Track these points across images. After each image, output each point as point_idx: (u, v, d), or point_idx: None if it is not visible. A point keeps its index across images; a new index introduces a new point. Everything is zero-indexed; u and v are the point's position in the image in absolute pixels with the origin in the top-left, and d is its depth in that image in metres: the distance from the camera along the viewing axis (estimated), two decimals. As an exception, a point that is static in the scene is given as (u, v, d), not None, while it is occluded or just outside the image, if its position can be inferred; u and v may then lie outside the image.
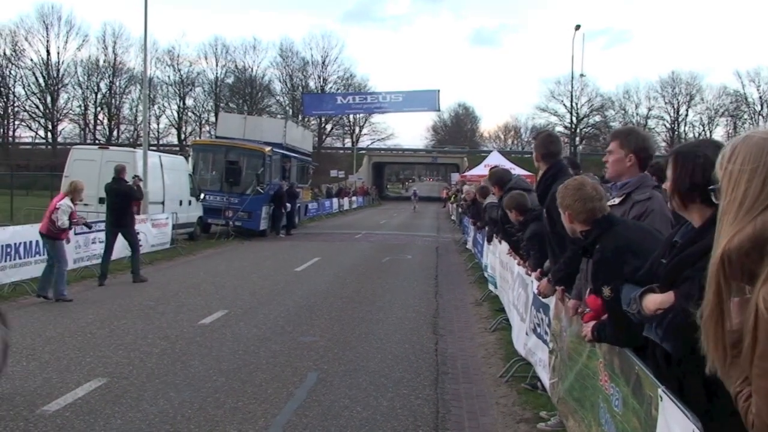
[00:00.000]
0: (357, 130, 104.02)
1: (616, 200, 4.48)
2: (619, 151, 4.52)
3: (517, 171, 32.42)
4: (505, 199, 8.37)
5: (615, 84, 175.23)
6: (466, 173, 45.77)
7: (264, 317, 10.90)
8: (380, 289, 14.30)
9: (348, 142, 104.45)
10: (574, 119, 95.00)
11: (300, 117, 76.66)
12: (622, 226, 4.00)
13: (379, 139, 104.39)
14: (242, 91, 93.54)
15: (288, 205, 27.89)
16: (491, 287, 12.64)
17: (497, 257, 11.49)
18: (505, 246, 10.26)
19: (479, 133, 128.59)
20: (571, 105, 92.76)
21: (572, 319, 4.79)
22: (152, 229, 18.98)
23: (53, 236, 12.00)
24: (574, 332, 4.69)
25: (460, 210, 29.20)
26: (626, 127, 5.83)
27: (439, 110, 56.93)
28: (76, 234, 14.30)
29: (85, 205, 14.13)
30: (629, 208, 4.37)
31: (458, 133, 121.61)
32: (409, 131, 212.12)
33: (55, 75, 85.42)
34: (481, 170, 36.31)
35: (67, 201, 12.01)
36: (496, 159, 39.41)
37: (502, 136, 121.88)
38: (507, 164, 35.89)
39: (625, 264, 3.50)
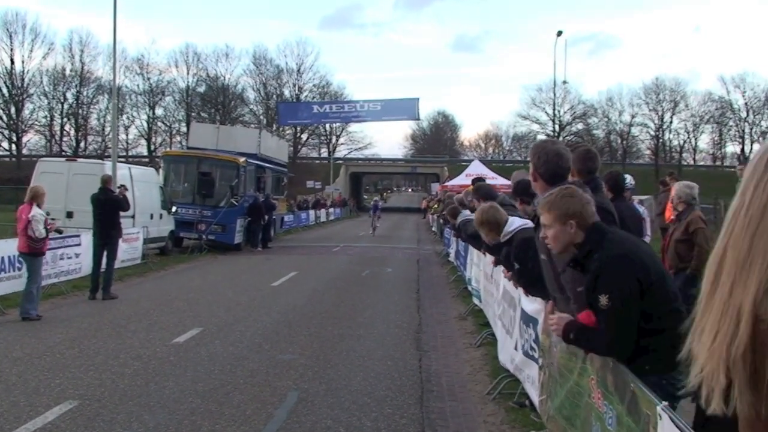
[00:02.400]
0: (334, 139, 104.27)
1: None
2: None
3: (498, 180, 32.74)
4: (476, 213, 7.65)
5: (598, 91, 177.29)
6: (446, 183, 45.91)
7: (240, 335, 10.82)
8: (361, 304, 14.28)
9: (324, 152, 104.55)
10: (556, 127, 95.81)
11: (275, 126, 76.73)
12: (615, 235, 3.96)
13: (356, 149, 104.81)
14: (214, 100, 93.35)
15: (265, 217, 27.80)
16: (475, 301, 12.65)
17: (481, 269, 11.49)
18: (490, 258, 10.26)
19: (459, 141, 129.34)
20: (554, 112, 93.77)
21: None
22: (122, 244, 18.73)
23: (34, 252, 11.94)
24: (564, 347, 4.67)
25: (441, 221, 29.26)
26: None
27: (418, 119, 57.28)
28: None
29: (53, 219, 14.04)
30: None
31: (438, 141, 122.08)
32: (387, 140, 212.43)
33: (20, 84, 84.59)
34: (462, 180, 36.41)
35: (37, 210, 11.90)
36: (477, 168, 39.59)
37: (483, 145, 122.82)
38: (488, 173, 36.11)
39: (627, 273, 3.59)
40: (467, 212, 12.70)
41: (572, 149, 6.28)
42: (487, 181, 13.99)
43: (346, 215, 69.93)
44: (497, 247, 7.44)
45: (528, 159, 5.39)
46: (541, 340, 5.68)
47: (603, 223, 4.07)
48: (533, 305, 6.22)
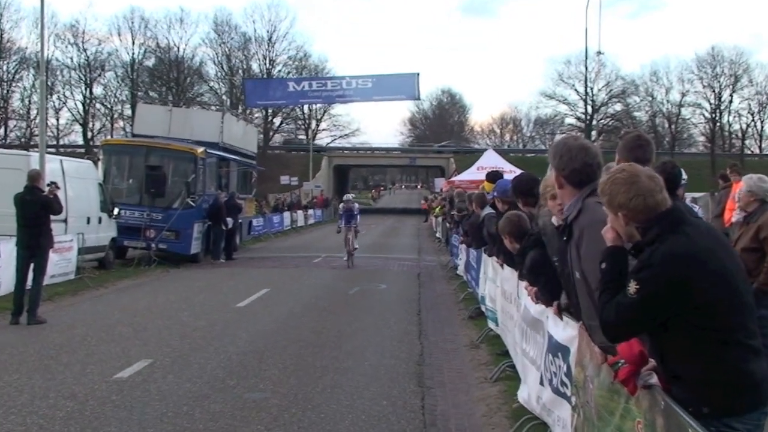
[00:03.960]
0: (314, 124, 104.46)
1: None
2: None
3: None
4: (501, 221, 8.65)
5: (640, 64, 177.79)
6: (453, 178, 45.91)
7: (199, 368, 10.80)
8: (348, 329, 14.26)
9: (302, 140, 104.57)
10: (588, 108, 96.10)
11: (241, 109, 76.63)
12: (692, 228, 4.05)
13: (341, 136, 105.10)
14: (166, 76, 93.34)
15: (228, 221, 27.77)
16: (491, 324, 12.65)
17: (498, 286, 11.49)
18: (508, 271, 10.25)
19: (469, 126, 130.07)
20: (585, 91, 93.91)
21: (600, 366, 4.76)
22: (53, 255, 18.67)
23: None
24: (603, 383, 4.65)
25: (448, 225, 29.27)
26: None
27: (418, 98, 57.23)
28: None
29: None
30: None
31: (442, 127, 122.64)
32: (379, 126, 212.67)
33: None
34: (473, 174, 36.43)
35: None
36: (491, 159, 39.45)
37: (498, 130, 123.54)
38: (505, 166, 35.96)
39: (675, 277, 3.83)
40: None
41: (619, 137, 6.28)
42: (506, 176, 14.02)
43: (329, 218, 69.94)
44: (522, 256, 7.86)
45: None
46: (575, 374, 5.65)
47: (682, 213, 4.16)
48: (565, 331, 6.21)
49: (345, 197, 29.31)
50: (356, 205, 28.06)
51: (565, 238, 5.15)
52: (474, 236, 15.89)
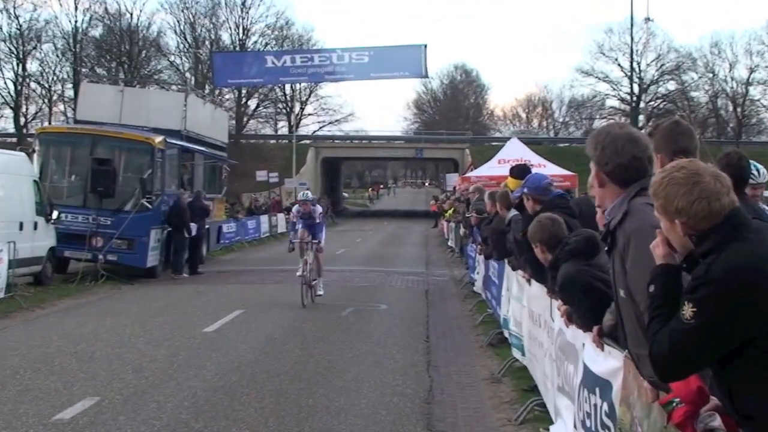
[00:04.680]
0: (297, 108, 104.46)
1: None
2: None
3: (548, 169, 32.74)
4: (531, 226, 8.73)
5: (698, 34, 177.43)
6: (469, 173, 45.81)
7: (157, 407, 10.78)
8: (340, 360, 14.25)
9: (283, 128, 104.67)
10: (635, 87, 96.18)
11: (208, 89, 76.59)
12: (757, 234, 3.99)
13: (331, 123, 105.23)
14: (116, 49, 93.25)
15: (193, 226, 27.75)
16: (516, 353, 12.66)
17: (525, 306, 11.49)
18: (537, 288, 10.24)
19: (488, 110, 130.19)
20: (631, 66, 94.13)
21: (651, 405, 4.75)
22: (-23, 270, 18.71)
23: None
24: (655, 427, 4.63)
25: (462, 231, 29.19)
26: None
27: (425, 76, 57.24)
28: None
29: None
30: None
31: (455, 111, 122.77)
32: (378, 110, 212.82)
33: None
34: (494, 168, 36.50)
35: None
36: (515, 150, 39.46)
37: (524, 115, 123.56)
38: (532, 158, 36.11)
39: (742, 294, 3.71)
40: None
41: (653, 128, 6.20)
42: (534, 170, 14.05)
43: None
44: (554, 269, 7.87)
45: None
46: (619, 415, 5.61)
47: (744, 215, 4.08)
48: (606, 362, 6.18)
49: (301, 195, 23.21)
50: (319, 209, 22.26)
51: (606, 248, 5.13)
52: (495, 245, 15.82)
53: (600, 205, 5.44)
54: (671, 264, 4.16)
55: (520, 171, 12.92)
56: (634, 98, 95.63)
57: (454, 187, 53.08)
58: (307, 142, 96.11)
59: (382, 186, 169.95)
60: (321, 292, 21.87)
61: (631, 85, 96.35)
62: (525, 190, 10.80)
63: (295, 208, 22.78)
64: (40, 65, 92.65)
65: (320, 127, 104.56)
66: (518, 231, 11.76)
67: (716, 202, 3.99)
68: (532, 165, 22.10)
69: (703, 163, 4.27)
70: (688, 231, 4.06)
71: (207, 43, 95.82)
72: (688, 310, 3.81)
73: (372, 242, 49.75)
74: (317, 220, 21.63)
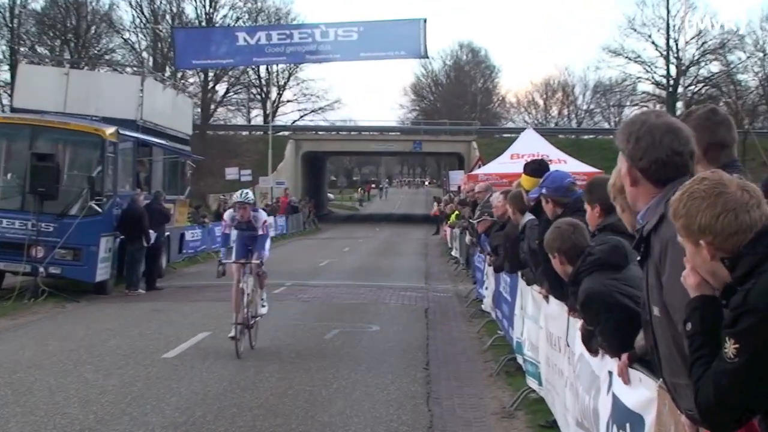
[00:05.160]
0: (274, 94, 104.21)
1: None
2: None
3: (569, 165, 32.73)
4: (547, 234, 8.75)
5: (746, 6, 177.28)
6: (476, 170, 45.78)
7: (110, 447, 10.76)
8: (324, 391, 14.26)
9: (258, 117, 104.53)
10: (671, 69, 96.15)
11: (169, 71, 76.56)
12: None
13: (314, 111, 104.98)
14: (61, 25, 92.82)
15: (151, 234, 27.78)
16: (531, 382, 12.66)
17: (542, 327, 11.53)
18: (556, 306, 10.33)
19: (499, 96, 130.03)
20: (667, 44, 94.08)
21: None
22: None
23: None
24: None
25: (468, 239, 29.02)
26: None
27: (425, 56, 57.16)
28: None
29: None
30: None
31: (460, 97, 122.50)
32: (369, 96, 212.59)
33: None
34: (506, 164, 36.64)
35: None
36: (531, 143, 39.52)
37: (541, 102, 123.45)
38: (551, 152, 36.11)
39: None
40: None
41: (686, 113, 6.20)
42: (553, 167, 14.02)
43: (296, 229, 70.18)
44: (576, 284, 7.78)
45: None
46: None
47: None
48: (638, 392, 6.21)
49: (237, 195, 18.67)
50: (263, 215, 19.07)
51: (639, 258, 5.10)
52: (507, 255, 15.68)
53: (631, 208, 5.41)
54: (708, 295, 4.12)
55: (537, 168, 12.83)
56: (671, 82, 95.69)
57: (459, 187, 52.92)
58: (286, 133, 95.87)
59: (374, 185, 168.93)
60: (264, 310, 19.18)
61: (668, 66, 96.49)
62: (543, 190, 10.81)
63: (228, 214, 18.77)
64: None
65: (301, 117, 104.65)
66: (534, 239, 11.70)
67: (745, 215, 4.00)
68: (550, 161, 21.94)
69: (727, 174, 4.24)
70: (716, 253, 4.03)
71: (167, 17, 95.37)
72: (730, 348, 3.78)
73: (362, 252, 49.61)
74: (260, 231, 18.22)
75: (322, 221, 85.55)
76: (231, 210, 18.89)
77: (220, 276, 18.30)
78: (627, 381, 6.38)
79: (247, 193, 18.50)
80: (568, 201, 10.33)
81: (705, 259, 4.07)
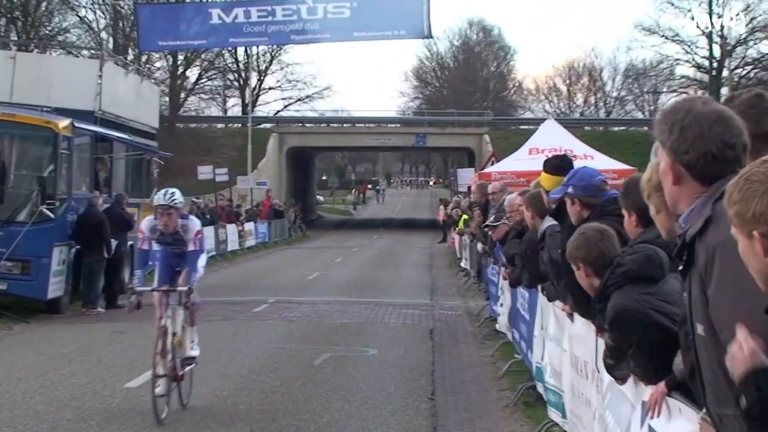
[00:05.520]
0: (254, 80, 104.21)
1: None
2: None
3: (597, 161, 32.57)
4: (571, 242, 8.69)
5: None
6: (489, 167, 45.54)
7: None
8: (313, 425, 14.22)
9: (236, 107, 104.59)
10: (715, 50, 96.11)
11: (132, 55, 76.53)
12: None
13: (301, 100, 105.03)
14: (7, 1, 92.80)
15: (112, 243, 27.91)
16: (553, 415, 12.60)
17: (565, 350, 11.48)
18: (582, 325, 10.24)
19: (514, 81, 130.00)
20: (710, 21, 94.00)
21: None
22: None
23: None
24: None
25: (480, 248, 28.76)
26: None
27: (429, 36, 57.14)
28: None
29: None
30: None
31: (470, 83, 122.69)
32: (365, 83, 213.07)
33: None
34: (523, 160, 36.37)
35: None
36: (552, 136, 39.19)
37: (564, 88, 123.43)
38: (575, 146, 36.00)
39: None
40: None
41: (728, 98, 6.08)
42: (578, 164, 13.86)
43: (281, 237, 70.36)
44: (603, 300, 7.63)
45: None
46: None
47: None
48: (675, 425, 6.19)
49: (160, 196, 15.51)
50: (194, 223, 16.17)
51: (680, 268, 4.93)
52: (526, 266, 15.35)
53: (669, 209, 5.30)
54: (763, 366, 3.91)
55: (559, 165, 12.76)
56: (714, 64, 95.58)
57: (469, 187, 52.66)
58: (268, 126, 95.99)
59: (370, 186, 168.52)
60: (196, 352, 16.16)
61: (710, 46, 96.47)
62: (570, 189, 10.67)
63: (146, 223, 16.02)
64: None
65: (285, 107, 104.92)
66: (556, 247, 11.62)
67: None
68: (574, 156, 21.83)
69: None
70: None
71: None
72: None
73: (357, 263, 49.60)
74: (190, 246, 15.53)
75: (310, 228, 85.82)
76: (150, 217, 16.04)
77: (132, 310, 15.77)
78: (656, 411, 6.41)
79: (172, 193, 15.24)
80: (598, 202, 10.23)
81: (758, 254, 3.85)
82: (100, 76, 31.41)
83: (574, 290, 9.95)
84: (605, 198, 10.26)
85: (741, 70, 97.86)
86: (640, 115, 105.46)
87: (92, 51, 70.39)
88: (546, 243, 12.83)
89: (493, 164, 46.57)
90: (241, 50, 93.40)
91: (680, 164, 4.84)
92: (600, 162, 32.40)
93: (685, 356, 5.52)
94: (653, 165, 5.45)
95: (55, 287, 26.39)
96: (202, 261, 16.03)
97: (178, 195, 15.31)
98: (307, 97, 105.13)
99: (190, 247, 15.32)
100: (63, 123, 26.77)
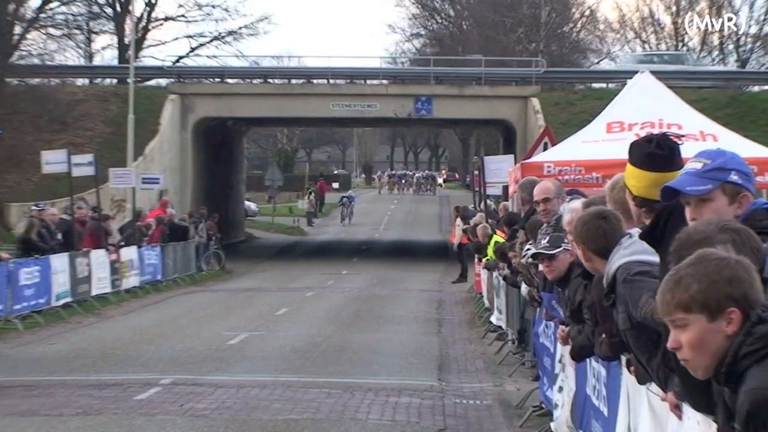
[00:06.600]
0: (140, 5, 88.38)
1: None
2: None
3: (723, 141, 27.27)
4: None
5: None
6: (538, 153, 36.58)
7: None
8: None
9: (106, 52, 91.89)
10: None
11: None
12: None
13: (217, 38, 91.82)
14: None
15: None
16: None
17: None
18: (695, 423, 8.20)
19: (583, 10, 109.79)
20: None
21: None
22: None
23: None
24: None
25: (526, 291, 22.11)
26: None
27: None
28: None
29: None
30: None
31: (508, 11, 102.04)
32: (325, 13, 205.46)
33: None
34: (596, 143, 29.21)
35: None
36: (647, 98, 31.14)
37: (668, 21, 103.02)
38: (688, 116, 29.97)
39: None
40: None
41: None
42: (691, 147, 10.78)
43: (184, 272, 58.52)
44: (732, 377, 5.70)
45: None
46: None
47: None
48: None
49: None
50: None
51: None
52: (605, 323, 11.39)
53: None
54: None
55: (657, 153, 9.15)
56: None
57: (506, 188, 43.21)
58: (163, 82, 77.13)
59: (335, 184, 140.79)
60: None
61: None
62: (734, 176, 7.55)
63: None
64: None
65: (192, 50, 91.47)
66: (636, 300, 9.33)
67: None
68: (684, 136, 14.36)
69: None
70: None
71: None
72: None
73: (313, 316, 41.61)
74: None
75: (233, 256, 69.76)
76: None
77: None
78: None
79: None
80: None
81: None
82: None
83: (682, 370, 6.70)
84: (752, 208, 7.66)
85: None
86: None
87: None
88: (618, 293, 9.65)
89: (546, 148, 37.90)
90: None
91: None
92: (728, 144, 24.59)
93: None
94: None
95: None
96: None
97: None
98: (230, 33, 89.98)
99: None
100: None
